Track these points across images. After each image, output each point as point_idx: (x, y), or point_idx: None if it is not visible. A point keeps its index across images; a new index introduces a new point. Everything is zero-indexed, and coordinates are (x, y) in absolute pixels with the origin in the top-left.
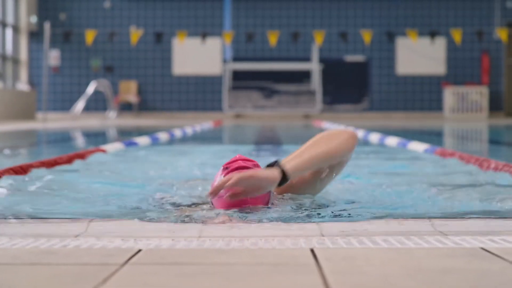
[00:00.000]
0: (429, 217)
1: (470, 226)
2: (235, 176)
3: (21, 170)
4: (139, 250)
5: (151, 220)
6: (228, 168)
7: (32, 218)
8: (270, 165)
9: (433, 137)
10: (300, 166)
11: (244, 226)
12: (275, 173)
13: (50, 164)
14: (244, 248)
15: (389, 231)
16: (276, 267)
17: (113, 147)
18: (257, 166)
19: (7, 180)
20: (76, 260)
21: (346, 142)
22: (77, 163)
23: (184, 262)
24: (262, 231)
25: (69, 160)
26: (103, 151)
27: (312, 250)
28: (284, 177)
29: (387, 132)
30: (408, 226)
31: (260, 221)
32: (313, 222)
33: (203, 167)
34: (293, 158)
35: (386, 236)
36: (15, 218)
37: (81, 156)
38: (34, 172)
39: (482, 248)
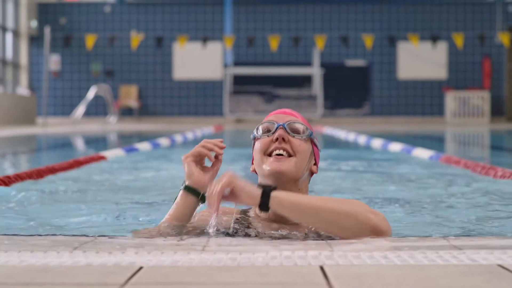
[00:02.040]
0: (443, 236)
1: (485, 241)
2: (228, 176)
3: (7, 181)
4: (140, 268)
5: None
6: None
7: (30, 236)
8: (266, 187)
9: (435, 142)
10: (285, 204)
11: (250, 241)
12: (256, 194)
13: (49, 172)
14: (250, 264)
15: (400, 246)
16: (284, 287)
17: (114, 153)
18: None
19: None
20: (73, 280)
21: (358, 226)
22: (76, 171)
23: (188, 281)
24: (269, 246)
25: (68, 168)
26: (103, 158)
27: (321, 268)
28: (265, 204)
29: (389, 137)
30: (421, 241)
31: (266, 235)
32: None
33: None
34: (288, 194)
35: (398, 252)
36: (8, 234)
37: (81, 163)
38: (28, 182)
39: (500, 266)
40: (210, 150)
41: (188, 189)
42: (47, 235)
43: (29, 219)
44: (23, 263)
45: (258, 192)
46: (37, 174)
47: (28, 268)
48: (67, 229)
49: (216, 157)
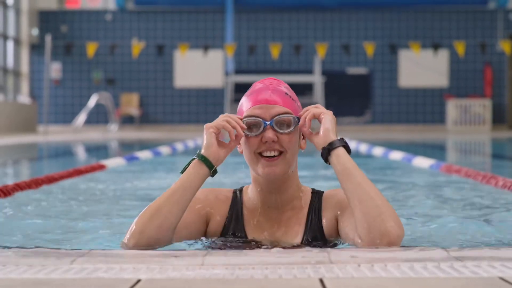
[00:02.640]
0: (443, 248)
1: (486, 252)
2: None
3: (5, 191)
4: (139, 280)
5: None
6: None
7: (29, 248)
8: (338, 140)
9: (436, 150)
10: (340, 161)
11: (249, 253)
12: (330, 139)
13: (48, 181)
14: (249, 277)
15: (400, 258)
16: None
17: (114, 162)
18: None
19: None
20: None
21: (377, 221)
22: (76, 180)
23: None
24: (267, 258)
25: (68, 177)
26: (104, 167)
27: (321, 281)
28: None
29: (390, 145)
30: (421, 252)
31: (262, 243)
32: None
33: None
34: (349, 159)
35: (398, 263)
36: (5, 246)
37: (81, 172)
38: (27, 192)
39: (501, 278)
40: (234, 127)
41: (204, 159)
42: (45, 247)
43: (26, 230)
44: (20, 275)
45: (331, 139)
46: (36, 184)
47: (26, 281)
48: (66, 240)
49: (236, 136)
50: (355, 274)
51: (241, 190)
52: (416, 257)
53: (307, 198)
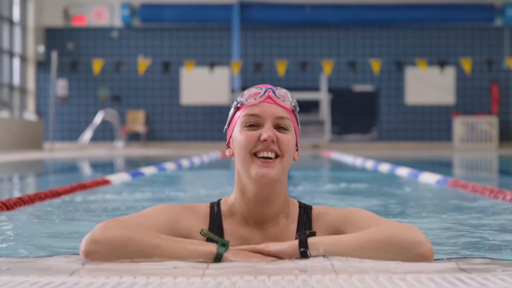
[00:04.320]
0: (450, 259)
1: (493, 264)
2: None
3: (9, 205)
4: None
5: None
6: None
7: (26, 257)
8: (302, 236)
9: (443, 167)
10: (323, 249)
11: (250, 264)
12: (294, 251)
13: (51, 195)
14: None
15: (406, 269)
16: None
17: (119, 177)
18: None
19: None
20: None
21: (403, 253)
22: (80, 195)
23: None
24: (270, 269)
25: (71, 191)
26: (108, 182)
27: None
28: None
29: (396, 162)
30: (428, 264)
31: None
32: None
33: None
34: (324, 239)
35: (404, 275)
36: (4, 256)
37: (85, 187)
38: (31, 206)
39: None
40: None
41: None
42: (42, 257)
43: (27, 243)
44: (17, 286)
45: (294, 248)
46: (40, 198)
47: None
48: (64, 248)
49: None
50: (360, 286)
51: (218, 203)
52: (422, 268)
53: (294, 213)
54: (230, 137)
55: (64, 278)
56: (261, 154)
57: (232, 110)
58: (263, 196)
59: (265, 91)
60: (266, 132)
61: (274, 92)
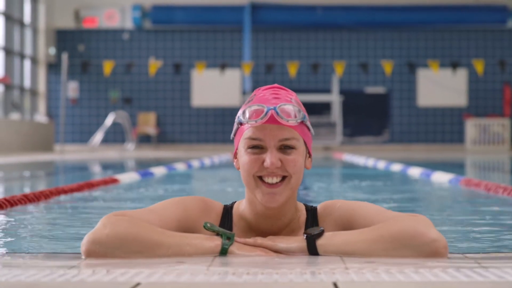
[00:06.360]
0: (464, 253)
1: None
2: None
3: (13, 202)
4: (137, 284)
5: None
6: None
7: (28, 253)
8: (309, 237)
9: (455, 168)
10: (332, 249)
11: (257, 258)
12: (302, 248)
13: (57, 193)
14: (258, 281)
15: (419, 262)
16: None
17: (128, 176)
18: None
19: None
20: None
21: (417, 247)
22: (88, 194)
23: None
24: (277, 262)
25: (78, 189)
26: (116, 180)
27: (335, 284)
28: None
29: (409, 163)
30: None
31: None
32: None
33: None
34: (333, 238)
35: (417, 267)
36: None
37: (93, 185)
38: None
39: None
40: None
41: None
42: (42, 252)
43: (29, 240)
44: (13, 278)
45: (303, 250)
46: (45, 196)
47: (17, 284)
48: (68, 247)
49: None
50: (372, 278)
51: (231, 207)
52: (435, 262)
53: (302, 218)
54: (237, 148)
55: (61, 271)
56: (267, 180)
57: (235, 124)
58: (272, 213)
59: (267, 112)
60: (270, 159)
61: (277, 112)
